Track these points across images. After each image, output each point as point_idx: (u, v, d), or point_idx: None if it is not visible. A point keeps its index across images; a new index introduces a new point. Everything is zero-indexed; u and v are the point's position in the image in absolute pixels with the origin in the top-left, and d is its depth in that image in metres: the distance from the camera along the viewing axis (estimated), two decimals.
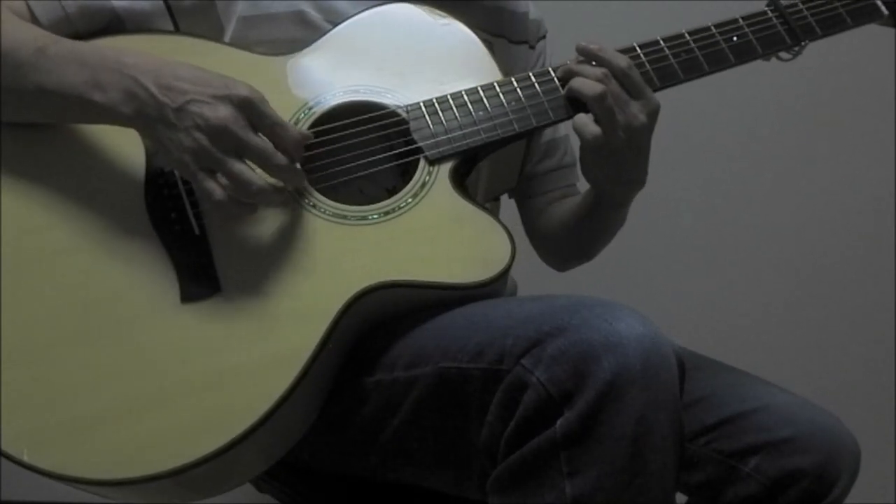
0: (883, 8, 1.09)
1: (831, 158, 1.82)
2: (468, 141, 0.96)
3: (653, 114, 0.97)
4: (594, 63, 0.98)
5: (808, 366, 1.79)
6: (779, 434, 1.00)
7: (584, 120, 0.97)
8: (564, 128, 1.00)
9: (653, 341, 0.77)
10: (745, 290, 1.84)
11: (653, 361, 0.76)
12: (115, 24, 0.96)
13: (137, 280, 0.87)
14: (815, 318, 1.84)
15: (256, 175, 0.85)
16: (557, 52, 1.23)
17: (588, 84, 0.95)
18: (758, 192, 1.83)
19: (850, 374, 1.82)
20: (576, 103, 0.98)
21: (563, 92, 0.99)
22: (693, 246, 1.83)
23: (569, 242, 1.22)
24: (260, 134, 0.86)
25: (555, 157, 1.25)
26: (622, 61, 0.96)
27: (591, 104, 0.95)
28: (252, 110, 0.85)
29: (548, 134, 1.23)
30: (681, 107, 1.15)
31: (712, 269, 1.83)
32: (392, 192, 0.96)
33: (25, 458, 0.80)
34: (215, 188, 0.84)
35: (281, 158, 0.85)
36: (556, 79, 1.00)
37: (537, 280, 1.25)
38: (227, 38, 0.99)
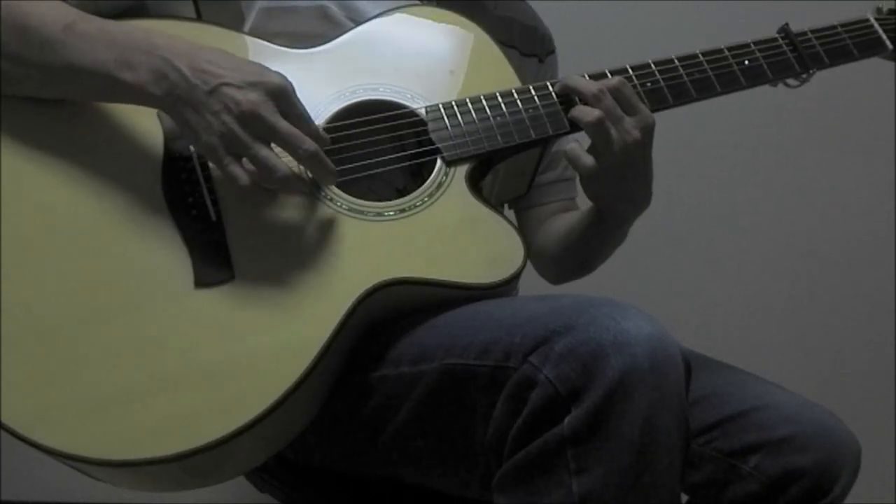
0: (888, 42, 1.13)
1: (832, 159, 1.82)
2: (486, 144, 0.97)
3: (647, 130, 0.97)
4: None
5: (808, 366, 1.79)
6: (779, 433, 1.00)
7: (577, 151, 0.98)
8: (567, 140, 1.01)
9: (660, 341, 0.77)
10: (745, 290, 1.84)
11: (661, 361, 0.76)
12: (138, 9, 0.96)
13: (152, 263, 0.86)
14: (815, 318, 1.84)
15: (282, 161, 0.85)
16: (565, 68, 1.23)
17: (585, 111, 0.96)
18: (758, 192, 1.83)
19: (850, 374, 1.82)
20: None
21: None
22: (694, 246, 1.83)
23: (566, 257, 1.22)
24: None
25: (557, 169, 1.26)
26: (613, 80, 0.97)
27: (588, 130, 0.96)
28: (283, 99, 0.85)
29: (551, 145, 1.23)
30: (681, 107, 1.16)
31: (713, 270, 1.83)
32: (402, 192, 0.96)
33: (27, 435, 0.79)
34: (241, 173, 0.84)
35: (310, 144, 0.85)
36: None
37: (538, 280, 1.26)
38: (246, 29, 0.99)
